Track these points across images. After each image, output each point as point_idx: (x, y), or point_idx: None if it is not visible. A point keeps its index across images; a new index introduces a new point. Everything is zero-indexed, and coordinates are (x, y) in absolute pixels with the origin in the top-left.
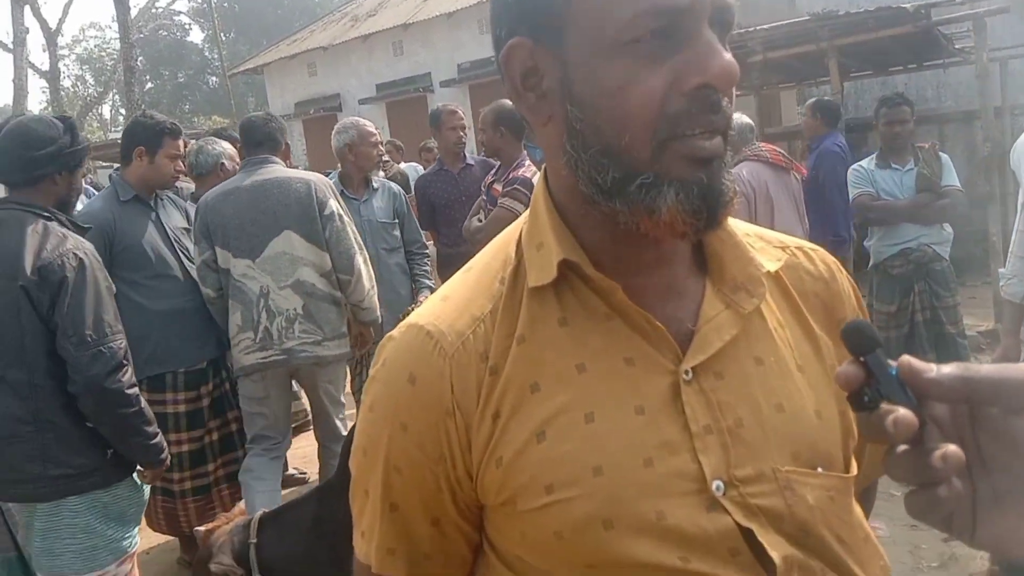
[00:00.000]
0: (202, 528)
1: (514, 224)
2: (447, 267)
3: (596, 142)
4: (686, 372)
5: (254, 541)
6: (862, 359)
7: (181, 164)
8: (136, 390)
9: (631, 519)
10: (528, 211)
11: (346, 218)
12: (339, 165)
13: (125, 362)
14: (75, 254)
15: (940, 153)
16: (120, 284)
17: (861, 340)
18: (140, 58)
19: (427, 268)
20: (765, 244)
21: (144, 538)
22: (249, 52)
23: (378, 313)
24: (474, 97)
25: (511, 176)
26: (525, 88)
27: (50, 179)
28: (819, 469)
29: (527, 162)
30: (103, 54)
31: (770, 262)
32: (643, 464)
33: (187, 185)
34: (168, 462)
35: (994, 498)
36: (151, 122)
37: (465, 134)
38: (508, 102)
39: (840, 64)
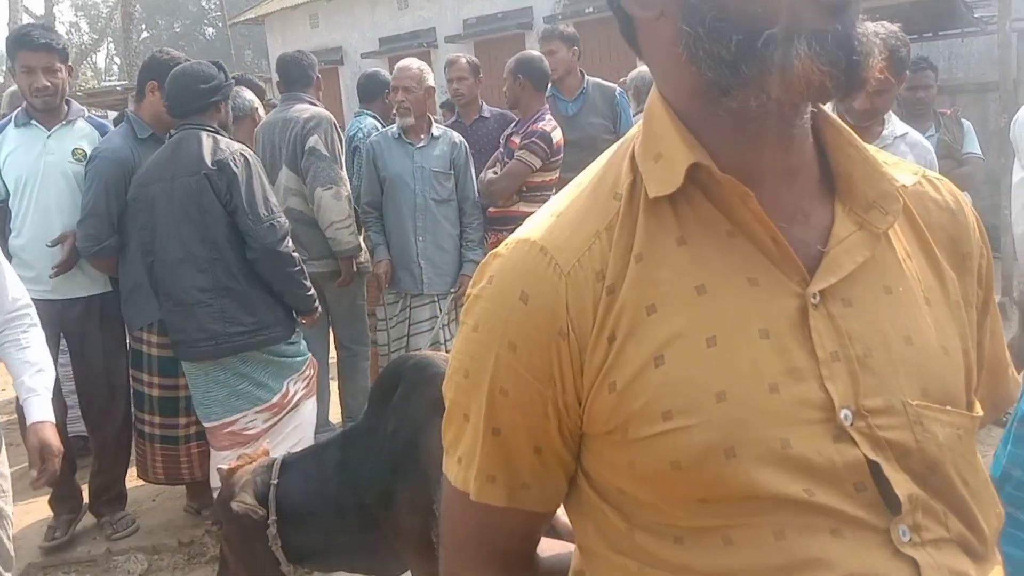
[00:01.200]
0: (224, 466)
1: (621, 141)
2: None
3: (716, 8)
4: (814, 296)
5: (275, 483)
6: None
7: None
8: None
9: (755, 447)
10: (640, 124)
11: (325, 152)
12: None
13: (287, 231)
14: (242, 153)
15: (962, 120)
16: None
17: None
18: (137, 6)
19: (478, 233)
20: (897, 168)
21: (150, 486)
22: (248, 2)
23: (349, 246)
24: (479, 53)
25: (529, 129)
26: None
27: (214, 106)
28: (948, 407)
29: (547, 115)
30: (98, 1)
31: (905, 176)
32: (768, 390)
33: None
34: (319, 310)
35: None
36: (166, 57)
37: (464, 86)
38: (531, 53)
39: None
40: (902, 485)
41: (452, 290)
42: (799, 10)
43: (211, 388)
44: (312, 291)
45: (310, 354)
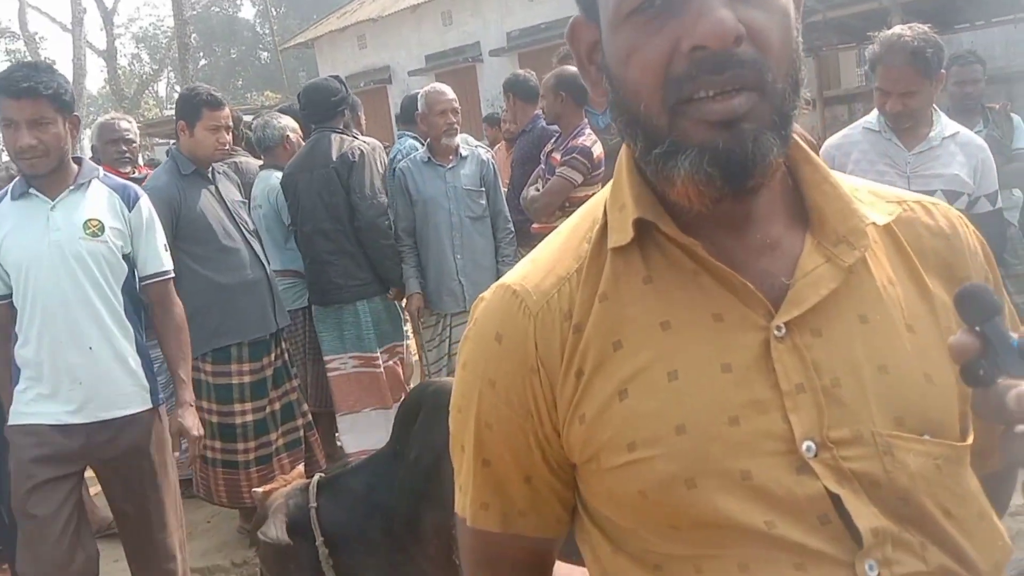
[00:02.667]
0: (259, 490)
1: (608, 185)
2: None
3: (624, 112)
4: (778, 328)
5: (314, 505)
6: (978, 328)
7: (225, 135)
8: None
9: (715, 478)
10: (614, 173)
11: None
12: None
13: (387, 209)
14: (359, 148)
15: (1012, 114)
16: (185, 257)
17: (977, 307)
18: (193, 35)
19: (511, 247)
20: (877, 199)
21: (204, 508)
22: (300, 27)
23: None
24: (523, 65)
25: (570, 145)
26: (590, 62)
27: (340, 113)
28: (925, 436)
29: (587, 130)
30: (158, 32)
31: (879, 215)
32: (728, 422)
33: (245, 159)
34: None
35: None
36: (190, 95)
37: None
38: (570, 68)
39: (903, 22)
40: (866, 518)
41: None
42: (686, 125)
43: (325, 330)
44: (400, 268)
45: (409, 341)
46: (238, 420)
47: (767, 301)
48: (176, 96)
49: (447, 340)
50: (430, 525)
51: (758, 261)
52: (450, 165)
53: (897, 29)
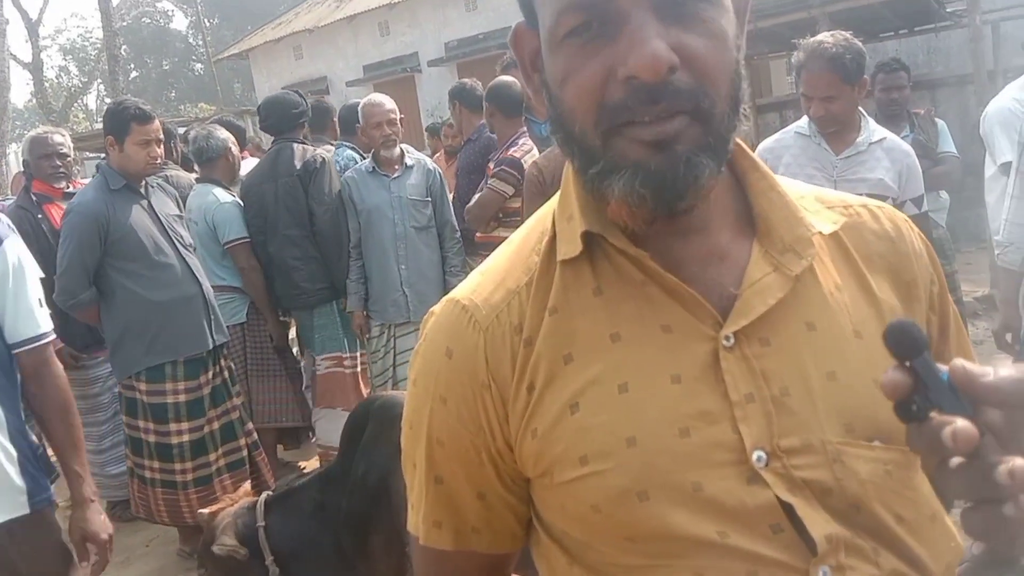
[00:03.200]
0: (205, 511)
1: (555, 196)
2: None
3: (561, 130)
4: (727, 338)
5: (262, 524)
6: (908, 363)
7: (156, 148)
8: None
9: (666, 490)
10: (561, 185)
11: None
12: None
13: (337, 214)
14: (321, 155)
15: (936, 119)
16: (116, 275)
17: (906, 342)
18: (124, 47)
19: (459, 257)
20: (822, 206)
21: (142, 531)
22: (234, 37)
23: None
24: (462, 76)
25: (500, 156)
26: (532, 69)
27: (300, 125)
28: (875, 442)
29: (521, 140)
30: (86, 44)
31: (825, 224)
32: (678, 434)
33: (175, 172)
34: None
35: None
36: (117, 109)
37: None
38: (501, 79)
39: (831, 30)
40: (819, 525)
41: None
42: (621, 145)
43: (303, 332)
44: (352, 274)
45: (344, 354)
46: (174, 440)
47: (715, 311)
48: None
49: (392, 351)
50: (379, 543)
51: (705, 271)
52: (395, 175)
53: (820, 36)
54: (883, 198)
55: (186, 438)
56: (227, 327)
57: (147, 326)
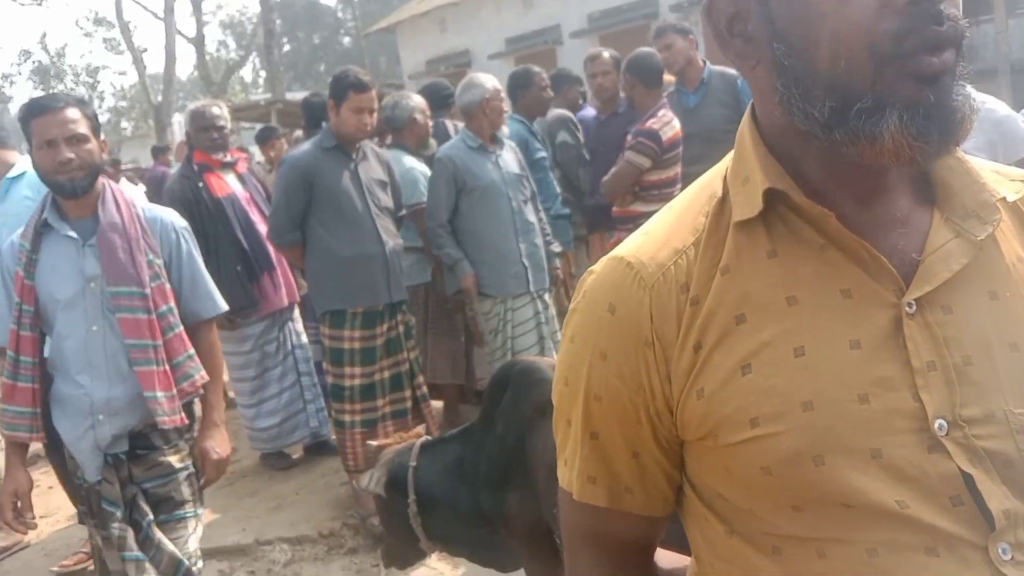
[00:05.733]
0: (374, 443)
1: (723, 159)
2: (590, 218)
3: (808, 74)
4: (909, 305)
5: (413, 465)
6: None
7: (368, 117)
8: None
9: (844, 455)
10: (735, 147)
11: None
12: (465, 121)
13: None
14: None
15: None
16: (316, 224)
17: None
18: (278, 21)
19: (550, 226)
20: (1001, 177)
21: (293, 480)
22: (381, 12)
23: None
24: (605, 47)
25: (639, 128)
26: (731, 35)
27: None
28: None
29: (661, 111)
30: (243, 19)
31: (1008, 191)
32: (857, 400)
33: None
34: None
35: None
36: (339, 75)
37: (608, 80)
38: (641, 50)
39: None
40: (998, 499)
41: (551, 287)
42: (891, 81)
43: None
44: (447, 247)
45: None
46: (347, 383)
47: (898, 276)
48: (262, 82)
49: (509, 323)
50: (514, 502)
51: (887, 236)
52: (499, 152)
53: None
54: None
55: (357, 382)
56: (412, 287)
57: (333, 275)
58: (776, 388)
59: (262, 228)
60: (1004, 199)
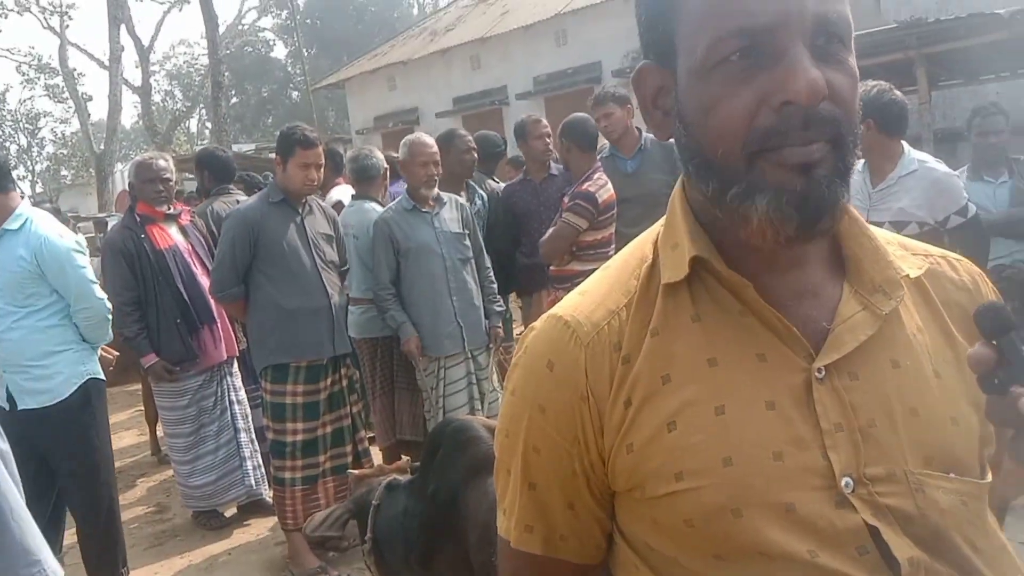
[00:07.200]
0: (355, 472)
1: (655, 224)
2: (525, 278)
3: (699, 156)
4: (819, 370)
5: (376, 503)
6: (994, 341)
7: (314, 173)
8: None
9: (761, 508)
10: (666, 214)
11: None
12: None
13: None
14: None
15: None
16: (260, 277)
17: (994, 322)
18: (226, 73)
19: (495, 285)
20: (906, 252)
21: (225, 540)
22: (331, 67)
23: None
24: (549, 109)
25: (576, 191)
26: (655, 106)
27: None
28: (951, 475)
29: (596, 175)
30: (191, 69)
31: (911, 268)
32: (773, 457)
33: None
34: None
35: None
36: (287, 131)
37: (551, 143)
38: (576, 115)
39: (929, 73)
40: (903, 549)
41: (490, 346)
42: (763, 169)
43: None
44: (391, 310)
45: None
46: (288, 438)
47: (808, 344)
48: (207, 133)
49: (442, 381)
50: (444, 559)
51: (800, 305)
52: (435, 211)
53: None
54: (904, 223)
55: (300, 437)
56: (366, 340)
57: (275, 328)
58: (698, 445)
59: (204, 281)
60: (908, 276)
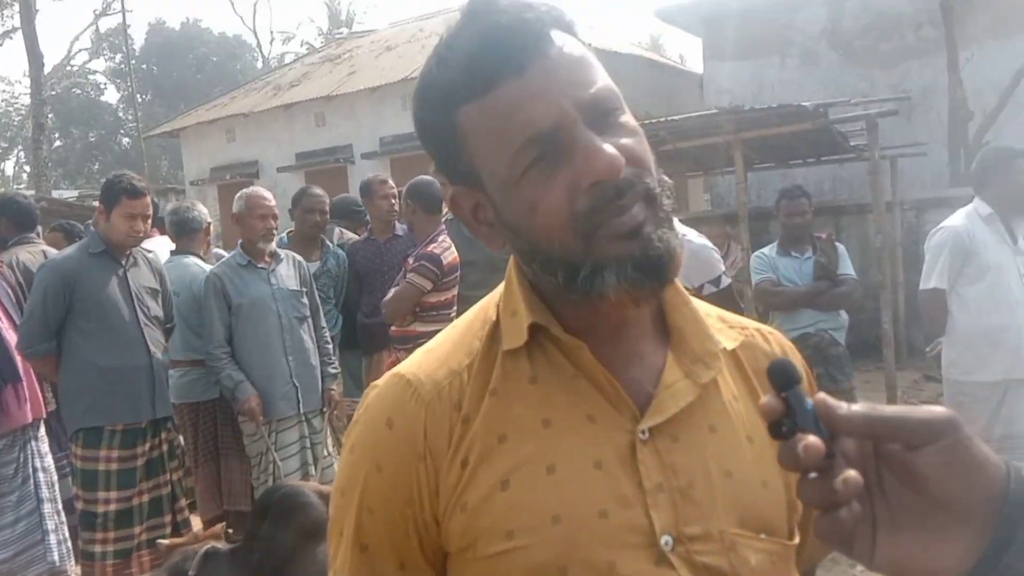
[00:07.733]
0: (166, 542)
1: (499, 287)
2: (366, 338)
3: (536, 256)
4: (643, 432)
5: (193, 574)
6: (783, 394)
7: (140, 223)
8: None
9: (584, 567)
10: (504, 282)
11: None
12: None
13: None
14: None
15: (836, 243)
16: (75, 333)
17: (783, 376)
18: (50, 115)
19: (330, 346)
20: (724, 325)
21: None
22: (165, 115)
23: None
24: (395, 170)
25: (420, 252)
26: (477, 222)
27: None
28: (762, 535)
29: (441, 237)
30: (10, 109)
31: (728, 341)
32: (598, 515)
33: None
34: None
35: (892, 524)
36: (113, 179)
37: (396, 203)
38: (421, 177)
39: (744, 156)
40: None
41: (324, 409)
42: (599, 247)
43: None
44: (227, 369)
45: None
46: (100, 508)
47: (634, 407)
48: (26, 177)
49: (274, 446)
50: None
51: (628, 369)
52: (271, 267)
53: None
54: None
55: (112, 507)
56: (196, 403)
57: (90, 388)
58: (529, 503)
59: (10, 336)
60: (725, 348)
